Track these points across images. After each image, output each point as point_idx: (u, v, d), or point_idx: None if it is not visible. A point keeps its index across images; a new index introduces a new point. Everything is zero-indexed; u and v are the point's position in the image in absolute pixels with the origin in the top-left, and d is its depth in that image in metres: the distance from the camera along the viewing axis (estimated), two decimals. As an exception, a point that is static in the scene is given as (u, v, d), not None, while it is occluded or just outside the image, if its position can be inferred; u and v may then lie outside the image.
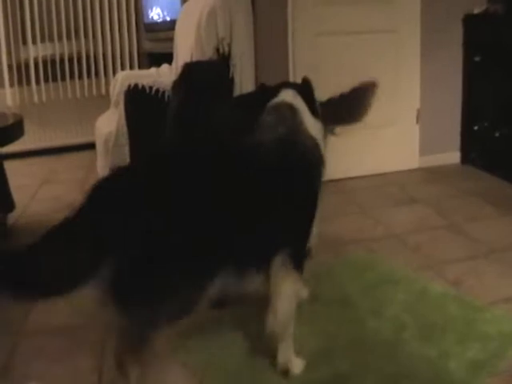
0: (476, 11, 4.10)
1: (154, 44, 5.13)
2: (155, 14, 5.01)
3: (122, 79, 3.97)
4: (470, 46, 4.18)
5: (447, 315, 2.29)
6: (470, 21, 4.16)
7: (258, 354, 2.06)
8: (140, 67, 5.70)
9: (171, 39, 4.39)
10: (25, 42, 5.52)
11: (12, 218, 3.58)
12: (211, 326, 2.24)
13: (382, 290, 2.50)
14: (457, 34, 4.20)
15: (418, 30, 4.12)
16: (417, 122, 4.23)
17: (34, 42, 5.51)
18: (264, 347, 2.04)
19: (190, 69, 3.47)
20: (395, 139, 4.21)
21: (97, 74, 5.70)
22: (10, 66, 5.47)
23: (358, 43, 4.02)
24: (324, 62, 3.94)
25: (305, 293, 2.38)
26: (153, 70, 4.25)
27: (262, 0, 3.78)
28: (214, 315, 2.28)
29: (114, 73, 5.47)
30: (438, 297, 2.43)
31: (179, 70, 4.01)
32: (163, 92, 3.53)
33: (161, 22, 4.93)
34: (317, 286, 2.52)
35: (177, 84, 3.43)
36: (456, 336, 2.14)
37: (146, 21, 5.20)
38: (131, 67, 5.78)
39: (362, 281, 2.58)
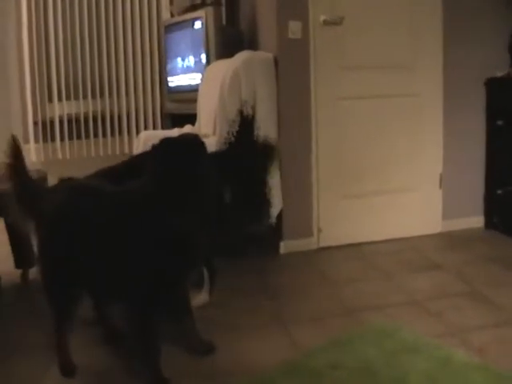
0: (499, 74, 4.12)
1: (177, 105, 5.20)
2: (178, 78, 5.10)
3: (145, 139, 4.00)
4: (493, 109, 4.18)
5: (472, 385, 2.23)
6: (492, 84, 4.18)
7: None
8: (162, 127, 5.79)
9: (194, 101, 4.46)
10: (51, 100, 5.63)
11: (32, 273, 3.57)
12: None
13: (405, 358, 2.44)
14: (479, 97, 4.22)
15: (441, 94, 4.14)
16: (440, 186, 4.21)
17: (60, 99, 5.61)
18: None
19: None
20: (418, 204, 4.18)
21: (120, 132, 5.79)
22: (35, 123, 5.58)
23: (380, 107, 4.05)
24: (346, 125, 3.98)
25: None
26: (175, 130, 4.29)
27: (285, 64, 3.84)
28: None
29: (137, 132, 5.57)
30: (462, 365, 2.36)
31: (202, 131, 4.06)
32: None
33: (184, 84, 5.00)
34: (338, 353, 2.48)
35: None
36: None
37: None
38: (154, 127, 5.88)
39: (384, 348, 2.53)
